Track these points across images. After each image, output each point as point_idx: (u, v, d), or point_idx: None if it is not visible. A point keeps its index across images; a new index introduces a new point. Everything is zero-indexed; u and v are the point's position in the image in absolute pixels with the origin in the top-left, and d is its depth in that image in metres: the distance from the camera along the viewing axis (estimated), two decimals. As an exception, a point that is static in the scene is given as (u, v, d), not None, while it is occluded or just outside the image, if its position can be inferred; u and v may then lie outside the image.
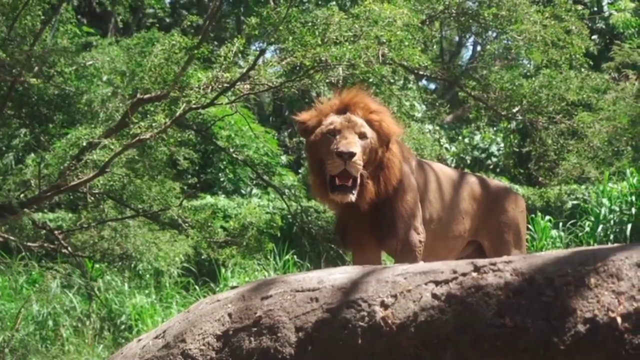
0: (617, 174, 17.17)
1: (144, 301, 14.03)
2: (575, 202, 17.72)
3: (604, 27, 25.10)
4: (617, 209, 16.37)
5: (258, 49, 16.72)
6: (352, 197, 5.53)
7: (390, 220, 5.78)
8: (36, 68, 11.26)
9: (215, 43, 18.95)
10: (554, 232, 16.57)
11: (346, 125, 5.59)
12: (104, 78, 13.39)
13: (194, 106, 10.00)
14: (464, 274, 3.19)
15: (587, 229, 16.44)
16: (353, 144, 5.42)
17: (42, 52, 10.90)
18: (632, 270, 2.92)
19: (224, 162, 21.18)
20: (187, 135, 12.12)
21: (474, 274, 3.15)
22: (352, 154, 5.37)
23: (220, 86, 9.92)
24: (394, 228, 5.78)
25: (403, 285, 3.29)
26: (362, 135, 5.55)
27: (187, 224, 11.89)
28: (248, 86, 10.13)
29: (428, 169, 6.47)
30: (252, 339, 3.49)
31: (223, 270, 15.12)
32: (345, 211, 5.86)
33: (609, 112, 12.35)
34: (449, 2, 11.46)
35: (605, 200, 16.58)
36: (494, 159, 24.60)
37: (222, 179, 21.21)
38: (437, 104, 14.60)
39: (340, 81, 10.34)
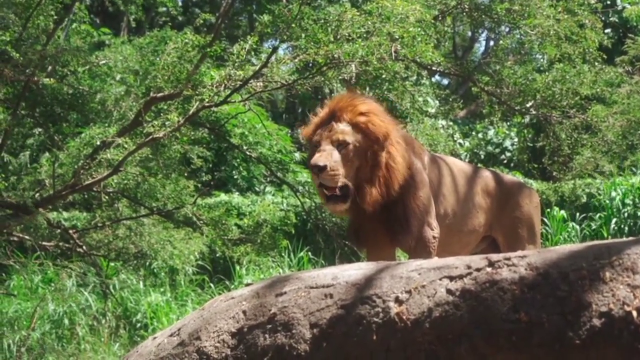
0: (629, 167, 17.15)
1: (159, 299, 14.06)
2: (589, 194, 17.69)
3: (617, 20, 25.00)
4: (630, 202, 16.35)
5: (270, 46, 16.71)
6: (344, 206, 5.60)
7: (402, 217, 5.77)
8: (50, 68, 11.29)
9: (228, 41, 18.98)
10: (569, 227, 16.57)
11: (325, 135, 5.61)
12: (117, 77, 13.43)
13: (207, 104, 10.01)
14: (478, 269, 3.18)
15: (602, 222, 16.44)
16: (324, 157, 5.43)
17: (55, 52, 10.91)
18: (647, 263, 2.91)
19: (238, 160, 21.20)
20: (200, 133, 12.13)
21: (489, 269, 3.15)
22: (321, 168, 5.39)
23: (233, 84, 9.93)
24: (406, 225, 5.77)
25: (417, 281, 3.29)
26: (341, 144, 5.54)
27: (201, 222, 11.89)
28: (261, 84, 10.13)
29: (442, 164, 6.45)
30: (266, 336, 3.50)
31: (238, 267, 15.15)
32: (357, 213, 5.86)
33: (623, 106, 12.29)
34: (461, -3, 11.45)
35: (614, 194, 16.58)
36: (508, 154, 24.53)
37: (235, 177, 21.24)
38: (450, 99, 14.59)
39: (353, 78, 10.34)
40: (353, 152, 5.55)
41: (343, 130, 5.59)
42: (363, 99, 5.89)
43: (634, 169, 17.75)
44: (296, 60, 9.92)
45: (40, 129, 14.87)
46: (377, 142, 5.60)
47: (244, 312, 3.67)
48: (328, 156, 5.46)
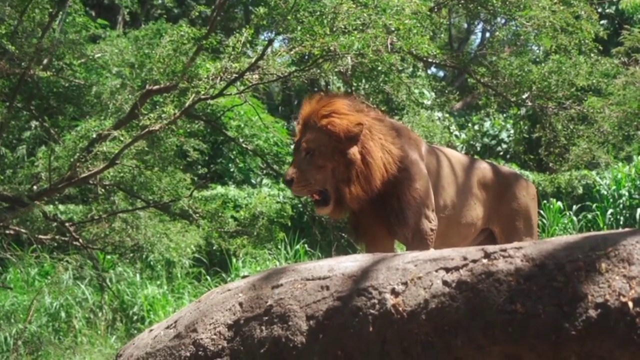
0: (625, 158, 17.17)
1: (156, 292, 14.07)
2: (585, 185, 17.73)
3: (612, 11, 25.01)
4: (626, 193, 16.39)
5: (266, 38, 16.71)
6: (327, 209, 5.78)
7: (398, 209, 5.78)
8: (45, 61, 11.27)
9: (224, 33, 18.94)
10: (565, 218, 16.61)
11: (296, 147, 5.85)
12: (113, 70, 13.41)
13: (203, 97, 10.00)
14: (474, 261, 3.18)
15: (598, 213, 16.48)
16: (291, 171, 5.69)
17: (51, 45, 10.90)
18: (643, 254, 2.92)
19: (234, 152, 21.18)
20: (196, 126, 12.13)
21: (485, 261, 3.15)
22: (289, 182, 5.66)
23: (229, 76, 9.91)
24: (402, 217, 5.78)
25: (413, 273, 3.29)
26: (308, 152, 5.68)
27: (197, 215, 11.90)
28: (257, 76, 10.10)
29: (440, 154, 6.45)
30: (263, 328, 3.50)
31: (234, 260, 15.15)
32: (353, 210, 5.90)
33: (619, 97, 12.30)
34: (457, -12, 11.44)
35: (605, 185, 16.63)
36: (504, 146, 24.53)
37: (232, 169, 21.22)
38: (446, 91, 14.57)
39: (349, 70, 10.32)
40: (320, 157, 5.65)
41: (307, 138, 5.73)
42: (329, 99, 5.89)
43: (625, 160, 17.76)
44: (292, 52, 9.90)
45: (36, 122, 14.86)
46: (340, 141, 5.63)
47: (241, 304, 3.67)
48: (295, 169, 5.67)
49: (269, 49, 10.52)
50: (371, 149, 5.66)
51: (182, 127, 11.33)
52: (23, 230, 11.60)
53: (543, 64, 11.97)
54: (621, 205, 16.38)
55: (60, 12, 12.61)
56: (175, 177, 11.94)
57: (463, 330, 3.04)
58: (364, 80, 11.56)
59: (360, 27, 9.51)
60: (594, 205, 16.77)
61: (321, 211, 5.84)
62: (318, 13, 9.72)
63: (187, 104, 10.08)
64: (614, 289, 2.84)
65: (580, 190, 17.73)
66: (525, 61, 11.83)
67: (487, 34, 31.43)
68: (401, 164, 5.80)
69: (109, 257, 14.25)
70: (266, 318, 3.52)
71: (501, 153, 24.26)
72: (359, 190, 5.63)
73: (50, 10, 10.91)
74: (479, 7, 11.81)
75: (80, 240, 11.76)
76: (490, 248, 3.22)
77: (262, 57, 9.94)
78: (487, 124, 25.14)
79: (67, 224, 11.86)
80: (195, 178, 15.61)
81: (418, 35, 9.63)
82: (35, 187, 11.30)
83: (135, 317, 13.69)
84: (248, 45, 11.31)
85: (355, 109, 5.83)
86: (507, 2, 11.13)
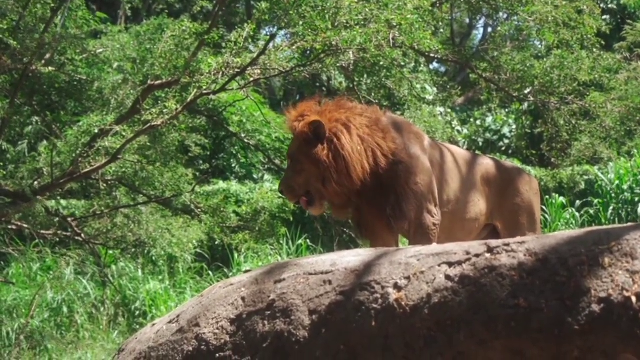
0: (627, 153, 17.15)
1: (158, 287, 14.07)
2: (587, 181, 17.72)
3: (615, 7, 24.97)
4: (628, 187, 16.38)
5: (268, 33, 16.68)
6: (315, 209, 6.00)
7: (394, 202, 5.79)
8: (47, 56, 11.26)
9: (226, 28, 18.92)
10: (567, 213, 16.59)
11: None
12: (115, 65, 13.39)
13: (204, 92, 10.00)
14: (477, 255, 3.18)
15: (600, 208, 16.47)
16: (281, 181, 6.02)
17: (53, 40, 10.89)
18: (646, 249, 2.91)
19: (236, 148, 21.16)
20: (198, 121, 12.13)
21: (488, 255, 3.15)
22: (281, 193, 6.02)
23: (231, 71, 9.91)
24: (400, 210, 5.79)
25: (416, 267, 3.29)
26: (291, 158, 5.92)
27: (199, 210, 11.91)
28: (259, 71, 10.10)
29: (444, 149, 6.46)
30: (265, 322, 3.50)
31: (236, 255, 15.14)
32: (355, 205, 5.95)
33: (621, 92, 12.27)
34: (459, -17, 11.41)
35: (606, 180, 16.62)
36: (506, 141, 24.51)
37: (234, 165, 21.20)
38: (448, 86, 14.54)
39: (351, 65, 10.31)
40: (297, 162, 5.85)
41: (290, 146, 6.03)
42: (300, 105, 6.02)
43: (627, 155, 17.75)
44: (294, 47, 9.89)
45: (38, 118, 14.85)
46: (302, 142, 5.76)
47: (243, 299, 3.67)
48: (283, 178, 5.98)
49: (271, 44, 10.51)
50: (344, 145, 5.70)
51: (184, 122, 11.34)
52: (25, 226, 11.60)
53: (545, 59, 11.93)
54: (623, 200, 16.37)
55: (62, 7, 12.57)
56: (177, 172, 11.94)
57: (466, 324, 3.04)
58: (365, 76, 11.56)
59: (362, 22, 9.49)
60: (596, 201, 16.76)
61: (311, 212, 6.04)
62: (320, 8, 9.70)
63: (189, 99, 10.08)
64: (617, 284, 2.83)
65: (583, 186, 17.71)
66: (528, 56, 11.80)
67: (489, 29, 31.36)
68: (394, 157, 5.80)
69: (111, 252, 14.23)
70: (269, 312, 3.52)
71: (503, 148, 24.25)
72: (336, 186, 5.72)
73: (52, 5, 10.89)
74: (481, 2, 11.78)
75: (83, 235, 11.77)
76: (493, 242, 3.22)
77: (264, 52, 9.93)
78: (489, 119, 25.13)
79: (69, 219, 11.87)
80: (197, 173, 15.61)
81: (420, 31, 9.61)
82: (37, 182, 11.29)
83: (137, 312, 13.69)
84: (250, 40, 11.28)
85: (333, 107, 5.90)
86: (509, -3, 11.12)
